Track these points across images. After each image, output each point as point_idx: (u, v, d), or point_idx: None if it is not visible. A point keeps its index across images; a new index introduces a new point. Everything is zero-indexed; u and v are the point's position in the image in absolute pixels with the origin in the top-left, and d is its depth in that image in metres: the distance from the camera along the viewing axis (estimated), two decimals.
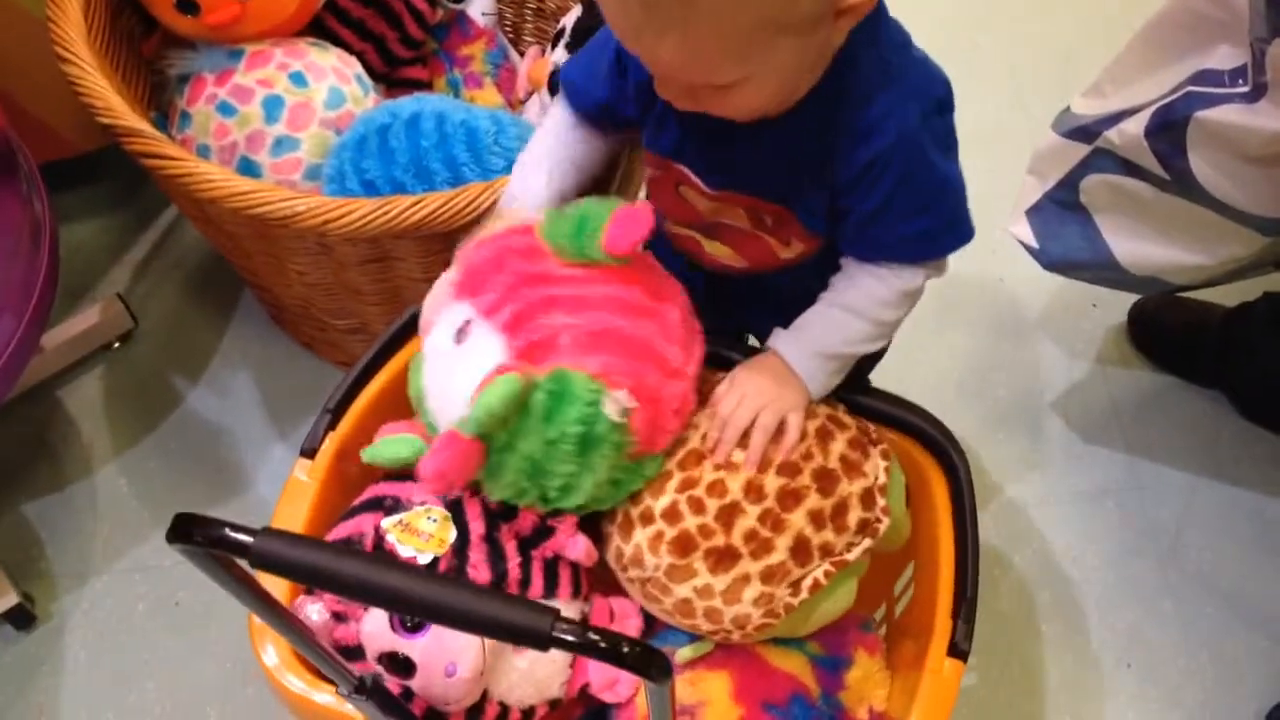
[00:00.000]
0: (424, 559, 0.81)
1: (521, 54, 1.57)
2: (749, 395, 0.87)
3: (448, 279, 0.87)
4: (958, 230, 0.86)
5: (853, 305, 0.88)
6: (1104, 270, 1.21)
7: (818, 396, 0.89)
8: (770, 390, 0.87)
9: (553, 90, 1.31)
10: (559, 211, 0.85)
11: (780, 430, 0.86)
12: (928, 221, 0.84)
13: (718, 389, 0.90)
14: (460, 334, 0.83)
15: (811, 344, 0.89)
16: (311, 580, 0.53)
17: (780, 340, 0.90)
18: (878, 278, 0.87)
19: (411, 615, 0.77)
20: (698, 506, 0.84)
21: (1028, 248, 1.27)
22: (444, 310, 0.86)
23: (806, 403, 0.88)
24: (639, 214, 0.82)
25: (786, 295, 0.94)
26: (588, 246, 0.82)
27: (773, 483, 0.84)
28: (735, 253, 0.94)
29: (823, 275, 0.91)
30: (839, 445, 0.87)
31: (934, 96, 0.82)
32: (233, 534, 0.51)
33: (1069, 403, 1.43)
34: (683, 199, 0.91)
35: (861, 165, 0.81)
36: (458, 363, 0.82)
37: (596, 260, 0.83)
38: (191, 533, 0.51)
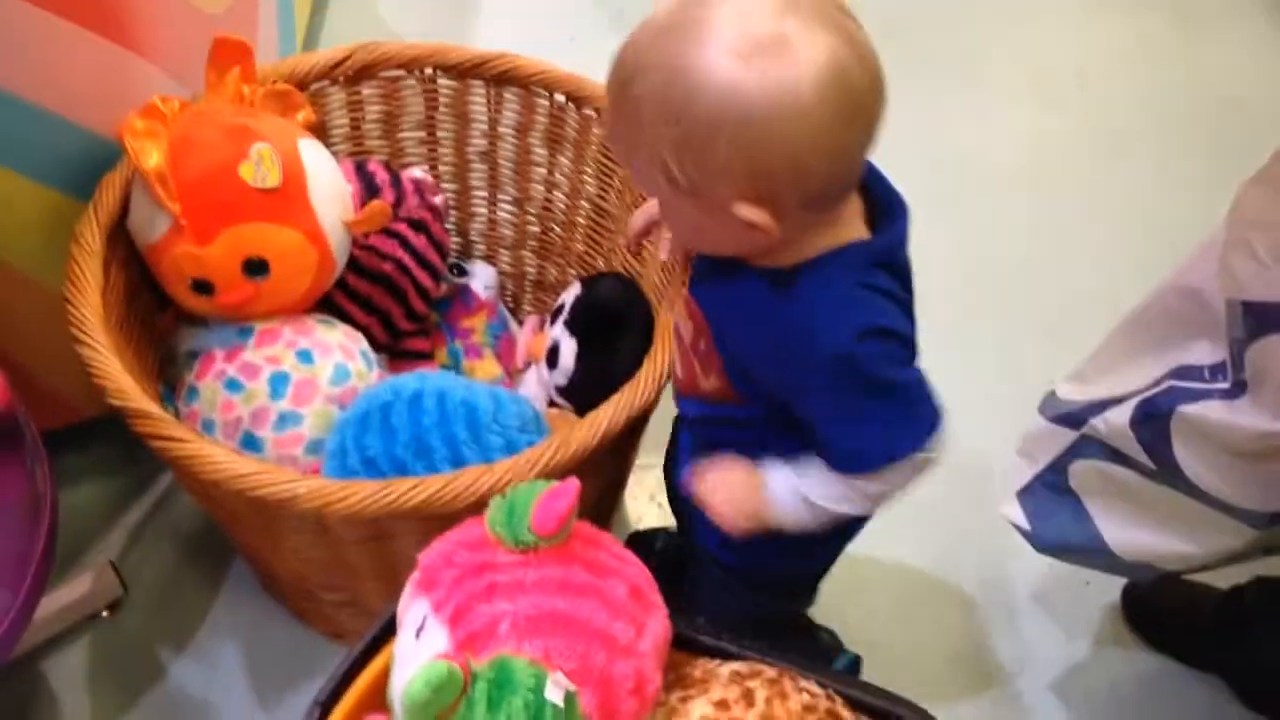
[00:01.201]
0: None
1: (520, 322, 1.62)
2: (726, 482, 0.95)
3: (411, 578, 0.89)
4: (914, 431, 0.88)
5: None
6: (1096, 555, 1.22)
7: (775, 524, 0.93)
8: (740, 489, 0.94)
9: (550, 364, 1.34)
10: (499, 499, 0.87)
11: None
12: (867, 436, 0.88)
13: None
14: (419, 632, 0.84)
15: (796, 477, 0.92)
16: None
17: (770, 466, 0.94)
18: None
19: None
20: None
21: (1019, 529, 1.28)
22: (409, 609, 0.87)
23: (760, 520, 0.94)
24: (561, 491, 0.84)
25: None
26: (520, 531, 0.84)
27: None
28: (680, 363, 0.99)
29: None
30: None
31: (878, 325, 0.85)
32: None
33: (1068, 684, 1.40)
34: None
35: (785, 371, 0.88)
36: (415, 661, 0.82)
37: (532, 544, 0.84)
38: None
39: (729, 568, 1.11)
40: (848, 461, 0.89)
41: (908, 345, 0.89)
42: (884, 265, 0.88)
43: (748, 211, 0.80)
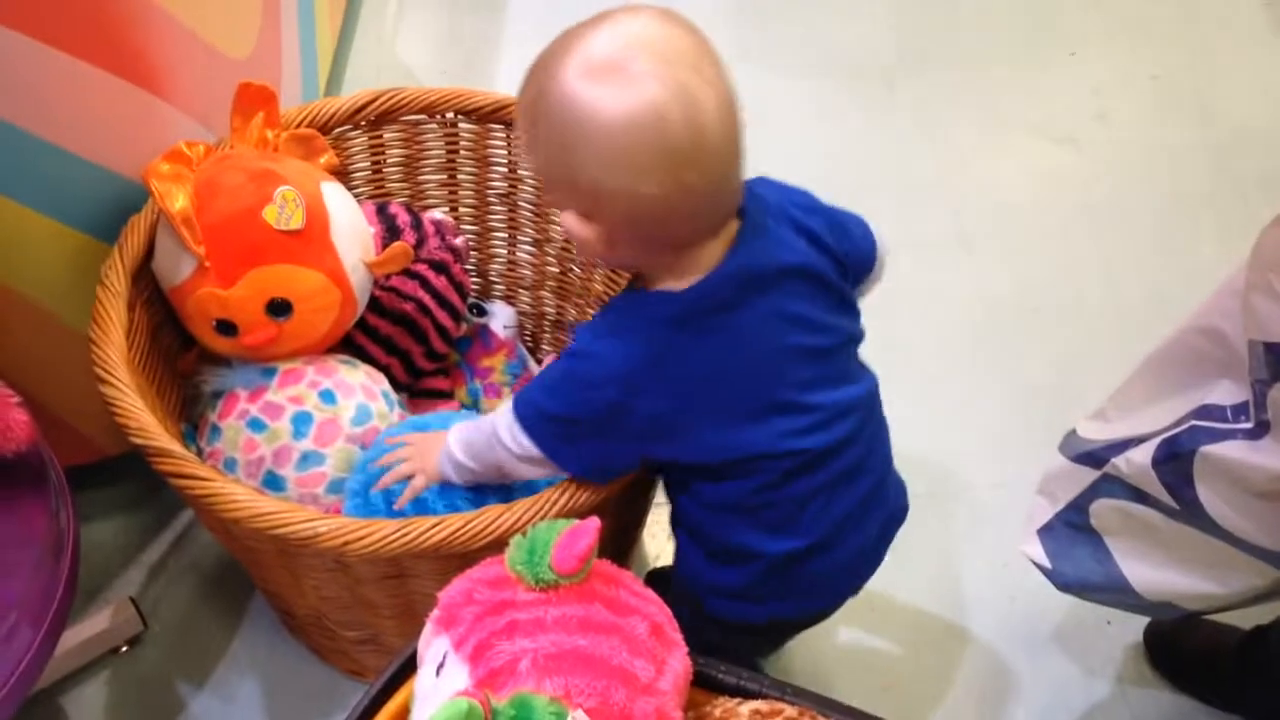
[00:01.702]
0: None
1: (539, 361, 1.63)
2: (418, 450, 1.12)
3: (432, 615, 0.89)
4: (533, 413, 0.99)
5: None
6: (1118, 594, 1.21)
7: (437, 475, 1.10)
8: (427, 452, 1.10)
9: None
10: (520, 538, 0.88)
11: None
12: (534, 390, 1.00)
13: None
14: (440, 669, 0.84)
15: (465, 432, 1.07)
16: None
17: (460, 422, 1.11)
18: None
19: None
20: None
21: (1040, 567, 1.27)
22: (429, 647, 0.87)
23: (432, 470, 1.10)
24: (581, 530, 0.85)
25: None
26: (540, 569, 0.84)
27: None
28: None
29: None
30: None
31: (612, 370, 0.93)
32: None
33: None
34: None
35: None
36: (435, 699, 0.82)
37: (553, 582, 0.84)
38: None
39: (713, 609, 1.10)
40: (520, 397, 1.01)
41: (598, 389, 0.95)
42: (684, 321, 0.93)
43: (569, 220, 0.90)
